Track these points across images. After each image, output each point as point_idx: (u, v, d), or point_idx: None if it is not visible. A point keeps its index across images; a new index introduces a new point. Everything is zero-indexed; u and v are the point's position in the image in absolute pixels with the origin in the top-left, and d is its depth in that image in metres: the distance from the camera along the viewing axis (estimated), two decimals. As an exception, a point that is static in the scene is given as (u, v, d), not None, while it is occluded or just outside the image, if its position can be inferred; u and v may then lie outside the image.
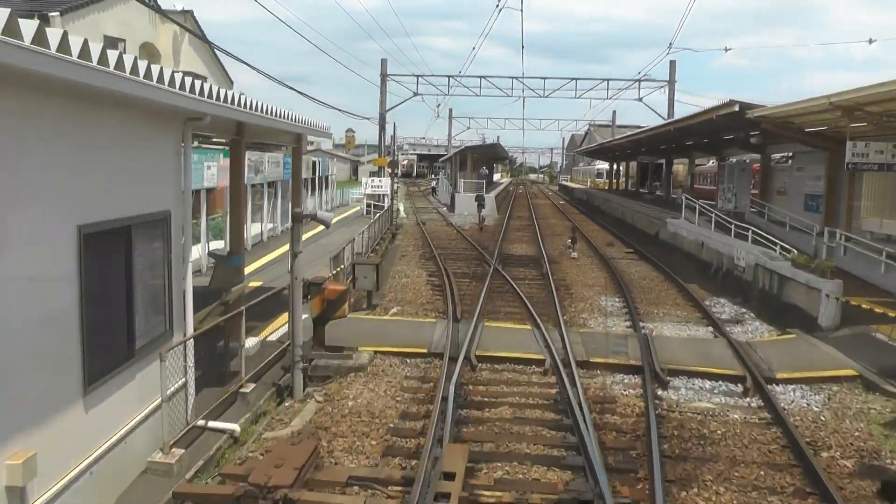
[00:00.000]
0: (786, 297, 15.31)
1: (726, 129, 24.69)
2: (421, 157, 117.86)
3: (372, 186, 40.52)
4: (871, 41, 26.68)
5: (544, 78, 43.82)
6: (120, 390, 6.74)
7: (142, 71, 6.07)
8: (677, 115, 37.16)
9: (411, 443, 8.29)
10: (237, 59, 21.69)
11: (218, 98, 8.18)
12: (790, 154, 30.20)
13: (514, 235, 32.16)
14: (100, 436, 6.37)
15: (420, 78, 43.82)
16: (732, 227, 20.68)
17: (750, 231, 19.12)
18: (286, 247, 22.76)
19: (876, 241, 16.94)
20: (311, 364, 10.56)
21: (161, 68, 6.49)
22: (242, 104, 9.32)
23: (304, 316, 11.18)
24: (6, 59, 4.24)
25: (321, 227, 31.26)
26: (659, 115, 42.55)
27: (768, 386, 10.48)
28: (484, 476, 7.45)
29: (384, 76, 42.69)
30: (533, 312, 14.81)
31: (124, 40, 23.74)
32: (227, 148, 22.39)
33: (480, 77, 43.44)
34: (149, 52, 26.74)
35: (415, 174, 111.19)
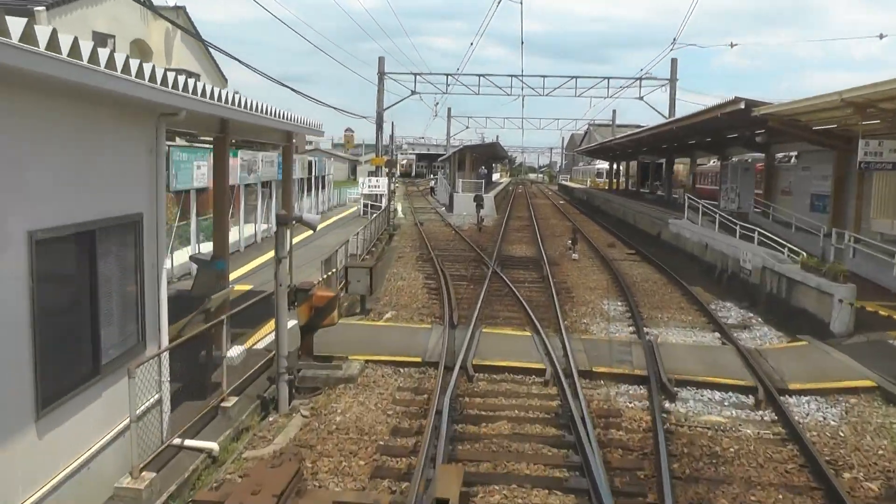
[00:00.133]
0: (795, 301, 14.74)
1: (730, 128, 24.14)
2: (420, 157, 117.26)
3: (369, 186, 39.93)
4: (881, 36, 26.02)
5: (544, 76, 43.34)
6: (83, 411, 6.16)
7: (103, 60, 5.50)
8: (678, 115, 36.66)
9: (402, 463, 7.72)
10: (231, 56, 21.12)
11: (194, 92, 7.61)
12: (795, 153, 29.73)
13: (513, 236, 31.61)
14: (58, 462, 5.80)
15: (418, 76, 43.25)
16: (737, 228, 20.12)
17: (756, 232, 18.56)
18: (280, 248, 22.24)
19: (887, 242, 16.38)
20: (298, 375, 10.00)
21: (127, 57, 5.92)
22: (224, 100, 8.76)
23: (293, 323, 10.64)
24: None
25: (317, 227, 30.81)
26: (660, 114, 42.03)
27: (781, 397, 9.92)
28: (480, 501, 6.90)
29: (381, 74, 42.08)
30: (532, 317, 14.26)
31: (114, 37, 23.15)
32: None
33: (479, 75, 42.89)
34: (140, 48, 26.17)
35: (414, 174, 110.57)
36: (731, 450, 8.28)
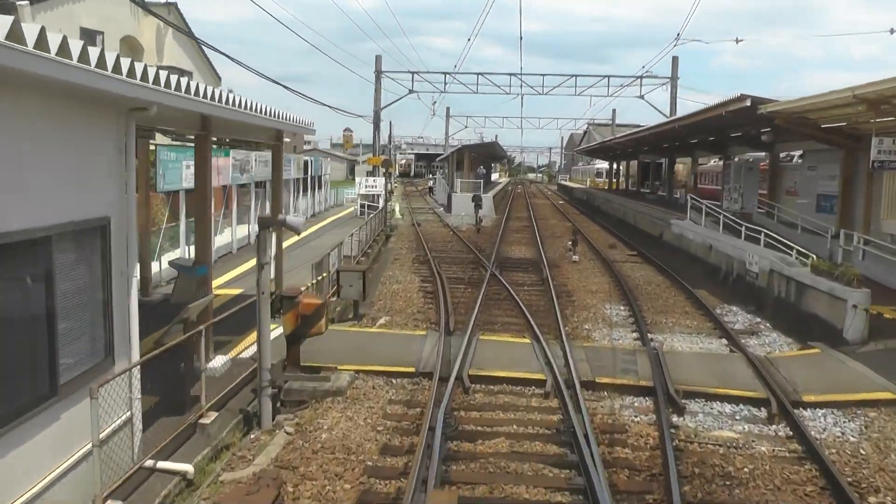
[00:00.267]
0: (805, 306, 14.18)
1: (735, 126, 23.58)
2: (419, 157, 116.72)
3: (366, 186, 39.35)
4: (892, 31, 25.44)
5: (543, 75, 42.76)
6: (37, 436, 5.60)
7: (53, 47, 4.94)
8: (679, 114, 36.10)
9: (391, 486, 7.15)
10: (224, 54, 20.64)
11: (167, 85, 7.05)
12: (797, 153, 29.15)
13: (512, 237, 31.04)
14: (8, 493, 5.23)
15: (416, 75, 42.70)
16: (742, 229, 19.55)
17: (762, 234, 18.00)
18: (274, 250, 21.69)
19: (899, 244, 15.82)
20: (284, 387, 9.43)
21: (84, 45, 5.35)
22: (202, 94, 8.20)
23: (279, 332, 10.09)
24: None
25: (311, 229, 30.24)
26: (661, 113, 41.51)
27: (795, 410, 9.36)
28: (475, 530, 6.33)
29: (378, 73, 41.50)
30: (532, 323, 13.70)
31: (102, 33, 22.56)
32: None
33: (477, 74, 42.32)
34: (131, 46, 25.58)
35: (412, 174, 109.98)
36: (746, 470, 7.71)
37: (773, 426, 9.07)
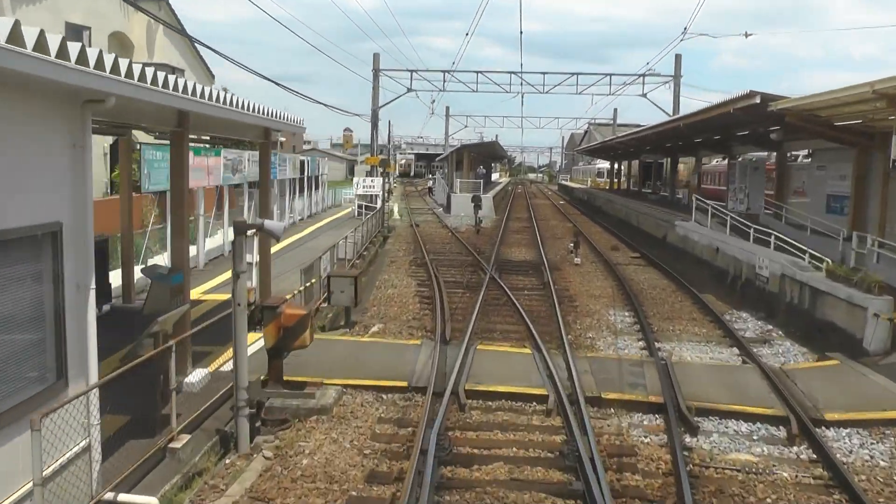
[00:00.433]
0: (820, 313, 13.48)
1: (742, 124, 22.85)
2: (419, 157, 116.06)
3: (364, 187, 38.66)
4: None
5: (544, 73, 42.08)
6: (-33, 473, 4.90)
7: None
8: (681, 113, 35.39)
9: (377, 521, 6.45)
10: (216, 52, 19.96)
11: (130, 75, 6.35)
12: (802, 152, 28.42)
13: (512, 238, 30.35)
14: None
15: (414, 73, 41.99)
16: (751, 231, 18.85)
17: (772, 236, 17.30)
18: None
19: (916, 247, 15.10)
20: (265, 404, 8.74)
21: (16, 24, 4.65)
22: (172, 87, 7.50)
23: (260, 343, 9.39)
24: None
25: (307, 230, 29.55)
26: (664, 112, 40.82)
27: (817, 429, 8.66)
28: (470, 576, 5.63)
29: (376, 71, 40.81)
30: (533, 331, 13.02)
31: (89, 29, 21.87)
32: (198, 146, 20.61)
33: (477, 72, 41.62)
34: (120, 42, 24.92)
35: (412, 174, 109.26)
36: (769, 501, 7.00)
37: (795, 448, 8.37)
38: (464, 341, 11.90)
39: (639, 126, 44.79)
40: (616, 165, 61.67)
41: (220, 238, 22.43)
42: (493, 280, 18.63)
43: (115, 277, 14.33)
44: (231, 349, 10.38)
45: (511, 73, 41.49)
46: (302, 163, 35.49)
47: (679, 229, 25.35)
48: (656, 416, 9.21)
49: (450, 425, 8.67)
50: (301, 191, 35.20)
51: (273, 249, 22.88)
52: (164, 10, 26.17)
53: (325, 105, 31.03)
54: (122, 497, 6.41)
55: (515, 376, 10.25)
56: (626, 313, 15.75)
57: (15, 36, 4.61)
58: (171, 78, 7.47)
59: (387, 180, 44.67)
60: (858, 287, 12.22)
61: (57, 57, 5.13)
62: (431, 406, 9.00)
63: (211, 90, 8.77)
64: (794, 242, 16.78)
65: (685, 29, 31.53)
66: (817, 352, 12.53)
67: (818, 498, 7.08)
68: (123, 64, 6.25)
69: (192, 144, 20.40)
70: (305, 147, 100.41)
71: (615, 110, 69.66)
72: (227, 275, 17.86)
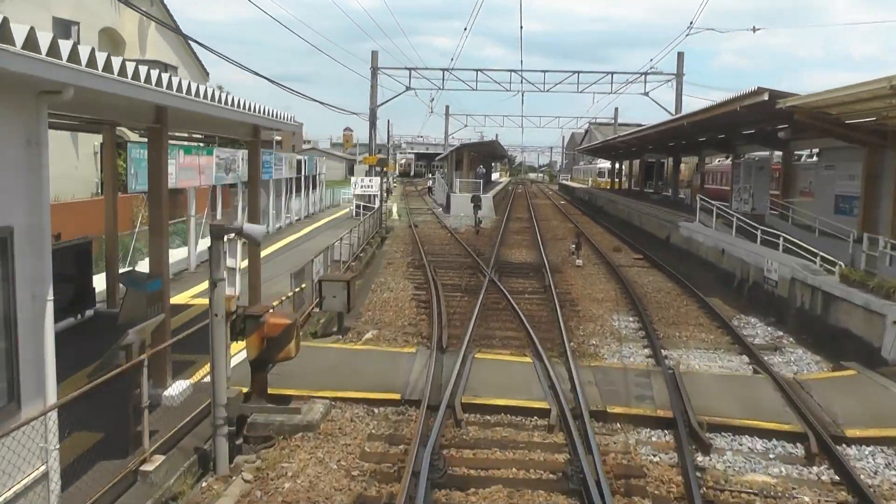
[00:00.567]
0: (834, 319, 12.91)
1: (748, 123, 22.28)
2: (419, 157, 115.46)
3: (362, 186, 38.07)
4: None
5: (544, 71, 41.40)
6: None
7: None
8: (683, 112, 34.81)
9: (363, 555, 5.89)
10: (211, 50, 19.42)
11: (93, 65, 5.78)
12: (808, 152, 27.84)
13: (512, 239, 29.78)
14: None
15: (413, 71, 41.40)
16: (759, 232, 18.29)
17: (781, 238, 16.73)
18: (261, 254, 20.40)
19: (932, 250, 14.54)
20: (247, 420, 8.18)
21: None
22: (145, 78, 6.92)
23: (245, 352, 8.81)
24: None
25: (304, 231, 28.99)
26: (666, 111, 40.25)
27: (838, 447, 8.09)
28: None
29: (374, 69, 40.23)
30: (534, 338, 12.46)
31: (78, 24, 21.29)
32: (188, 144, 20.05)
33: (476, 70, 41.02)
34: (111, 38, 24.35)
35: (412, 173, 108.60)
36: (791, 529, 6.44)
37: (815, 468, 7.80)
38: (461, 349, 11.34)
39: (640, 126, 44.23)
40: (617, 165, 61.10)
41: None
42: (493, 283, 18.07)
43: (101, 281, 13.78)
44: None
45: (511, 71, 40.93)
46: (299, 162, 34.92)
47: (683, 230, 24.79)
48: (665, 431, 8.65)
49: (445, 443, 8.11)
50: (298, 190, 34.65)
51: (268, 251, 22.48)
52: (156, 7, 25.59)
53: (320, 103, 30.52)
54: (83, 528, 5.86)
55: (515, 388, 9.69)
56: (631, 318, 15.18)
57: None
58: (143, 69, 6.90)
59: (385, 180, 44.12)
60: (876, 293, 11.65)
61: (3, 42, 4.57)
62: (425, 421, 8.44)
63: (189, 83, 8.19)
64: (803, 244, 16.22)
65: (691, 23, 30.95)
66: (831, 360, 11.96)
67: (844, 526, 6.52)
68: (84, 52, 5.68)
69: (182, 143, 19.96)
70: (305, 146, 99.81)
71: (616, 109, 69.20)
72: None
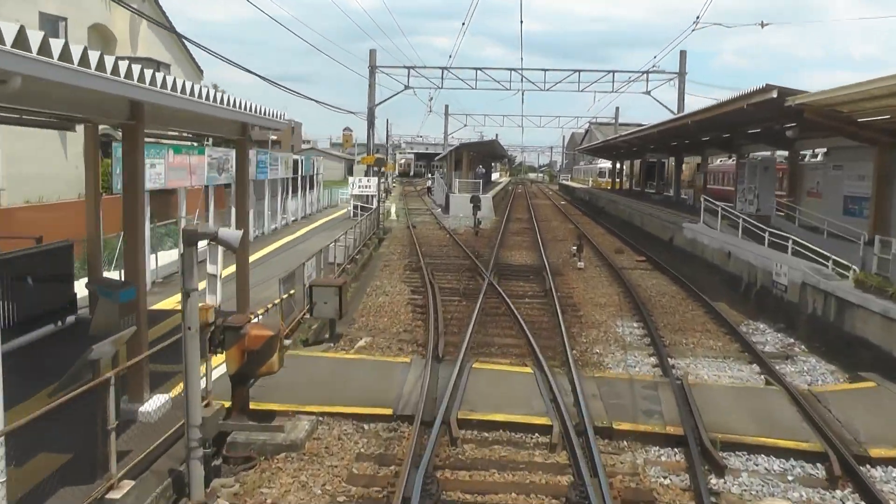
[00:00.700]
0: (849, 326, 12.34)
1: (755, 121, 21.68)
2: (419, 156, 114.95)
3: (359, 187, 37.50)
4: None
5: (545, 70, 40.76)
6: None
7: None
8: (685, 111, 34.24)
9: None
10: (203, 48, 18.69)
11: (46, 52, 5.21)
12: (813, 151, 27.27)
13: (512, 241, 29.21)
14: None
15: (412, 70, 40.81)
16: (766, 235, 17.71)
17: (790, 241, 16.16)
18: (253, 256, 19.83)
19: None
20: (227, 439, 7.61)
21: None
22: (112, 70, 6.35)
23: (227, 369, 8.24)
24: None
25: (300, 232, 28.42)
26: (669, 110, 39.66)
27: (862, 468, 7.53)
28: None
29: (373, 68, 39.63)
30: (534, 346, 11.90)
31: (66, 19, 20.73)
32: (179, 144, 19.47)
33: (476, 69, 40.37)
34: (101, 34, 23.79)
35: (412, 173, 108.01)
36: (817, 565, 5.87)
37: (838, 492, 7.23)
38: (458, 359, 10.78)
39: (640, 125, 43.66)
40: (618, 165, 60.54)
41: (203, 241, 21.29)
42: (492, 287, 17.50)
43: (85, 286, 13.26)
44: (202, 368, 9.26)
45: (511, 69, 40.30)
46: (295, 162, 34.35)
47: (687, 232, 24.22)
48: (676, 450, 8.09)
49: (439, 463, 7.55)
50: (294, 191, 34.07)
51: (262, 253, 21.92)
52: (148, 3, 25.02)
53: (317, 102, 30.01)
54: (36, 567, 5.29)
55: (515, 401, 9.12)
56: (635, 324, 14.62)
57: None
58: (109, 59, 6.33)
59: (383, 180, 43.54)
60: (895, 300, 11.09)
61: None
62: (418, 439, 7.88)
63: (165, 77, 7.62)
64: (814, 247, 15.64)
65: (697, 17, 30.14)
66: (847, 370, 11.40)
67: (875, 561, 5.95)
68: (36, 38, 5.11)
69: (173, 142, 19.39)
70: (304, 146, 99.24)
71: (617, 109, 68.59)
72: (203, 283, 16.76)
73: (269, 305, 10.55)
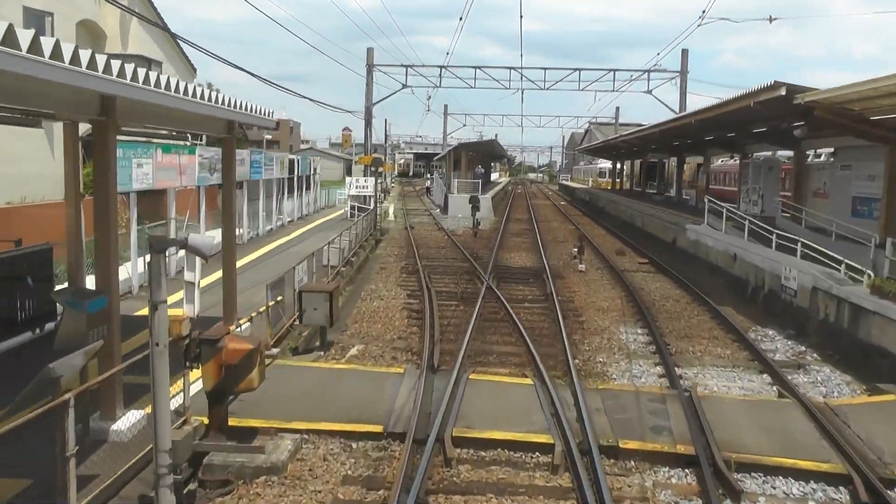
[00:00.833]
0: (864, 334, 11.78)
1: (761, 120, 21.11)
2: (418, 156, 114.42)
3: (357, 187, 36.96)
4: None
5: (545, 69, 40.23)
6: None
7: None
8: (687, 110, 33.67)
9: None
10: (196, 46, 18.31)
11: (8, 42, 4.66)
12: (823, 150, 26.71)
13: (511, 242, 28.65)
14: None
15: (410, 69, 40.26)
16: (773, 237, 17.16)
17: (800, 243, 15.60)
18: (246, 259, 19.31)
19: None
20: (203, 461, 7.05)
21: None
22: (70, 60, 5.79)
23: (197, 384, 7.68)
24: None
25: (295, 233, 27.85)
26: (670, 110, 39.14)
27: (889, 492, 6.97)
28: None
29: (370, 67, 39.08)
30: (535, 354, 11.35)
31: (52, 15, 20.14)
32: (167, 143, 18.89)
33: (475, 67, 39.84)
34: (90, 31, 23.20)
35: (411, 174, 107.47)
36: None
37: (864, 519, 6.67)
38: (454, 369, 10.21)
39: (640, 125, 43.13)
40: (619, 165, 59.98)
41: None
42: (491, 290, 16.94)
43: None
44: (180, 381, 8.68)
45: (510, 68, 39.78)
46: (291, 162, 33.78)
47: (690, 233, 23.66)
48: (687, 471, 7.52)
49: (431, 487, 6.98)
50: (290, 192, 33.50)
51: (254, 256, 21.35)
52: (139, 0, 24.43)
53: (313, 101, 29.55)
54: None
55: (514, 417, 8.56)
56: (639, 330, 14.05)
57: None
58: (68, 46, 5.76)
59: (381, 180, 42.97)
60: (914, 307, 10.53)
61: None
62: (410, 459, 7.32)
63: (136, 69, 7.06)
64: (824, 250, 15.09)
65: (704, 12, 29.54)
66: (864, 381, 10.84)
67: None
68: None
69: (161, 141, 18.81)
70: (303, 146, 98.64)
71: (617, 109, 68.06)
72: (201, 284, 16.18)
73: (254, 314, 9.98)
